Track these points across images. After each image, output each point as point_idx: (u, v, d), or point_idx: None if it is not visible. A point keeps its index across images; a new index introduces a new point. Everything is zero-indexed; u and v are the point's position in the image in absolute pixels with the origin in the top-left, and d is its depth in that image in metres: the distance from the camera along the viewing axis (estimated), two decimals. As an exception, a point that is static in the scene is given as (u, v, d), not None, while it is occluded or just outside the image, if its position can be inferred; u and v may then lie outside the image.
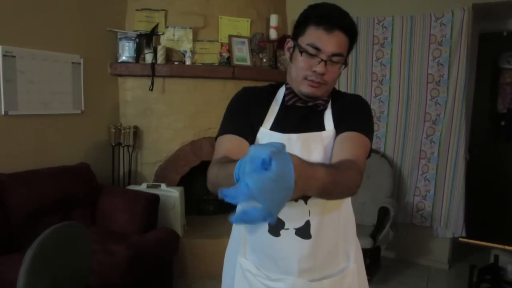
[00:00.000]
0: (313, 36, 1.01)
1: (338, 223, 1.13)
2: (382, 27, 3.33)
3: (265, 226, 1.08)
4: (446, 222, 3.24)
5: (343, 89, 3.53)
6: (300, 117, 1.11)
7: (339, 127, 1.08)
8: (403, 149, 3.38)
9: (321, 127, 1.10)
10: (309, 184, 0.70)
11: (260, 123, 1.11)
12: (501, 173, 4.02)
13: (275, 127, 1.10)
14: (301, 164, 0.67)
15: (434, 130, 3.24)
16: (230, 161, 0.88)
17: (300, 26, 1.06)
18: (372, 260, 3.12)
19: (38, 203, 2.36)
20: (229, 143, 1.04)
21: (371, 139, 1.08)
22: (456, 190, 3.18)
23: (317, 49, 1.01)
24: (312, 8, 1.05)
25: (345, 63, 1.06)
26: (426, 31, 3.17)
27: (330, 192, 0.81)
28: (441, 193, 3.25)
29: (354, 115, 1.10)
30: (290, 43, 1.10)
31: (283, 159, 0.61)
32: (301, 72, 1.05)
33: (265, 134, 1.09)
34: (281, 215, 1.05)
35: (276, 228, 1.07)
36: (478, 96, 3.67)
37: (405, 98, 3.32)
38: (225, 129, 1.09)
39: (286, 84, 1.15)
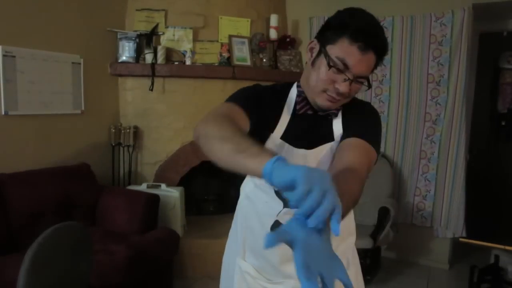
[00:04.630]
0: (346, 51, 0.92)
1: None
2: (382, 27, 3.32)
3: (267, 231, 1.07)
4: (446, 222, 3.24)
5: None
6: (308, 127, 1.05)
7: (346, 132, 1.02)
8: (403, 149, 3.38)
9: (329, 138, 1.04)
10: None
11: (270, 127, 1.04)
12: (501, 173, 4.02)
13: (286, 137, 1.03)
14: None
15: (434, 130, 3.23)
16: (237, 131, 0.81)
17: (333, 32, 0.95)
18: (372, 260, 3.12)
19: (38, 203, 2.36)
20: (233, 110, 0.95)
21: (377, 150, 0.99)
22: (456, 190, 3.17)
23: (346, 65, 0.93)
24: (350, 15, 0.95)
25: (369, 84, 1.00)
26: (426, 31, 3.17)
27: None
28: (441, 193, 3.25)
29: (360, 121, 1.03)
30: (314, 44, 1.00)
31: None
32: (321, 84, 0.97)
33: (276, 143, 1.03)
34: (281, 220, 1.04)
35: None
36: (478, 96, 3.67)
37: (405, 98, 3.32)
38: (233, 99, 1.01)
39: (298, 86, 1.08)
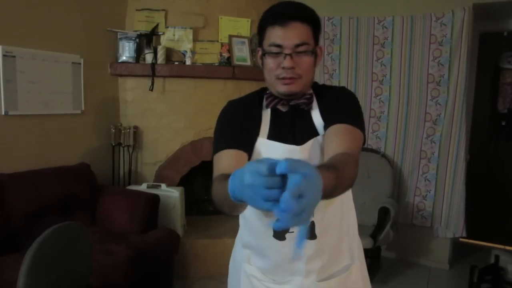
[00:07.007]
0: (272, 35, 1.03)
1: (340, 220, 1.12)
2: (383, 27, 3.32)
3: (270, 231, 1.07)
4: (446, 222, 3.24)
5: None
6: (289, 123, 1.09)
7: (327, 120, 1.06)
8: (404, 149, 3.38)
9: (314, 131, 1.08)
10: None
11: (256, 133, 1.09)
12: (501, 173, 4.02)
13: (272, 136, 1.08)
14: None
15: (435, 130, 3.23)
16: (226, 177, 0.84)
17: (261, 31, 1.07)
18: (373, 260, 3.12)
19: (38, 203, 2.36)
20: (226, 160, 1.00)
21: (362, 130, 1.05)
22: (456, 190, 3.17)
23: (279, 46, 1.02)
24: (266, 10, 1.06)
25: (314, 52, 1.05)
26: (427, 31, 3.17)
27: (332, 193, 0.81)
28: (441, 193, 3.25)
29: (341, 106, 1.08)
30: (259, 51, 1.10)
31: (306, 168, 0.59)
32: (272, 73, 1.05)
33: (265, 144, 1.07)
34: None
35: (281, 232, 1.06)
36: (478, 96, 3.67)
37: (405, 98, 3.32)
38: (218, 145, 1.05)
39: (266, 88, 1.15)
